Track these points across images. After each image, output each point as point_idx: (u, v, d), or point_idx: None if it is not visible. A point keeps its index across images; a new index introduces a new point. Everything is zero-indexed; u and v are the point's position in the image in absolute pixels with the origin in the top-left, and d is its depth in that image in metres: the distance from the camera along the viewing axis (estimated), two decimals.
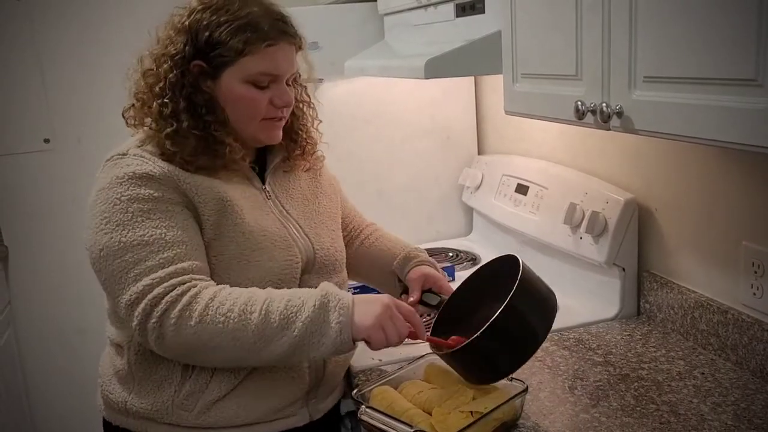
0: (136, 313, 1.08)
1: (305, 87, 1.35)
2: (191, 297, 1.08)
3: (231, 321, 1.07)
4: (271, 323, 1.07)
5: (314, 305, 1.08)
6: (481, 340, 1.10)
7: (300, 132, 1.34)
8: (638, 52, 1.00)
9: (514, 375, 1.21)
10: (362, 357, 1.43)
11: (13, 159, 2.68)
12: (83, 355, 2.75)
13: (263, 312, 1.08)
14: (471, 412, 1.11)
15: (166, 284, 1.08)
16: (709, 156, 1.38)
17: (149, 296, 1.07)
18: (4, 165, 2.67)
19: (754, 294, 1.30)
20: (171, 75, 1.16)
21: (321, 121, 1.39)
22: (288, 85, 1.24)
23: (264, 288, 1.16)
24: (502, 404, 1.13)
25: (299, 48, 1.24)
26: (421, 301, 1.38)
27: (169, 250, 1.10)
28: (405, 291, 1.44)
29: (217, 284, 1.15)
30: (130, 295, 1.08)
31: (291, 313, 1.08)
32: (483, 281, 1.31)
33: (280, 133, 1.27)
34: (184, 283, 1.09)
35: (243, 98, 1.19)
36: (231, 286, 1.13)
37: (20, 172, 2.69)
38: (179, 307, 1.07)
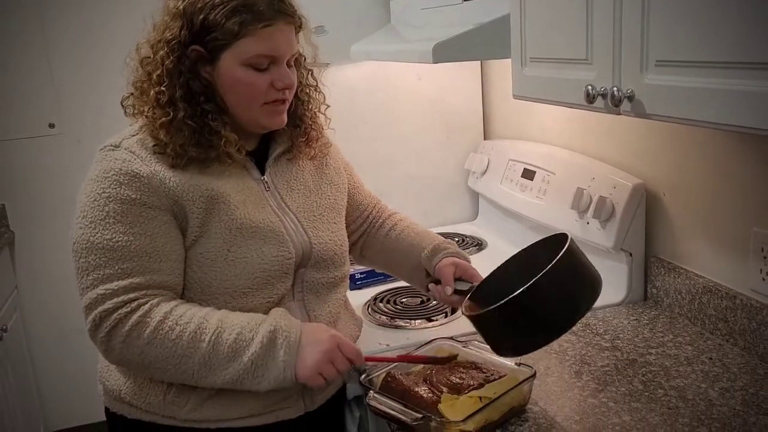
0: (88, 321, 1.10)
1: (311, 71, 1.31)
2: (141, 316, 1.09)
3: (179, 347, 1.08)
4: (218, 354, 1.08)
5: (262, 341, 1.09)
6: (520, 298, 1.06)
7: (305, 118, 1.30)
8: (650, 36, 0.99)
9: (522, 360, 1.21)
10: (370, 342, 1.43)
11: (18, 144, 2.68)
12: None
13: (212, 342, 1.08)
14: (480, 397, 1.11)
15: (116, 299, 1.09)
16: (719, 140, 1.37)
17: (100, 308, 1.09)
18: (9, 149, 2.67)
19: (763, 279, 1.29)
20: (168, 61, 1.14)
21: (329, 106, 1.35)
22: (289, 66, 1.20)
23: (252, 284, 1.16)
24: (511, 390, 1.13)
25: (299, 28, 1.21)
26: (456, 291, 1.33)
27: (130, 261, 1.10)
28: (434, 282, 1.39)
29: (204, 283, 1.15)
30: (86, 300, 1.10)
31: (239, 347, 1.09)
32: (529, 258, 1.25)
33: (285, 117, 1.23)
34: (134, 301, 1.09)
35: (242, 82, 1.15)
36: (187, 302, 1.13)
37: (25, 156, 2.69)
38: (128, 325, 1.08)
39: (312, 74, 1.32)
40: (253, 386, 1.10)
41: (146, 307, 1.09)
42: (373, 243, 1.48)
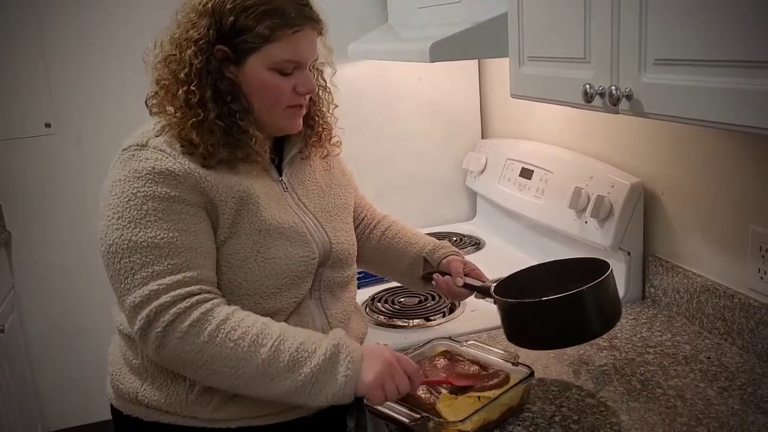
0: (139, 318, 1.06)
1: (321, 71, 1.32)
2: (203, 313, 1.06)
3: (240, 349, 1.05)
4: (279, 362, 1.05)
5: (325, 354, 1.06)
6: (560, 300, 1.17)
7: (317, 118, 1.32)
8: (649, 34, 0.99)
9: (520, 360, 1.22)
10: (368, 343, 1.43)
11: (14, 143, 2.67)
12: (89, 339, 2.76)
13: (273, 348, 1.05)
14: (478, 397, 1.11)
15: (173, 293, 1.06)
16: (718, 139, 1.37)
17: (155, 303, 1.05)
18: (5, 149, 2.66)
19: (761, 278, 1.29)
20: (197, 61, 1.13)
21: (337, 106, 1.36)
22: (309, 71, 1.22)
23: (280, 284, 1.16)
24: (509, 389, 1.13)
25: (320, 33, 1.22)
26: (464, 285, 1.39)
27: (179, 256, 1.08)
28: (428, 276, 1.44)
29: (234, 284, 1.14)
30: (135, 298, 1.06)
31: (301, 357, 1.05)
32: (562, 270, 1.34)
33: (301, 121, 1.25)
34: (193, 295, 1.07)
35: (267, 85, 1.16)
36: (243, 309, 1.11)
37: (21, 156, 2.68)
38: (189, 321, 1.05)
39: (322, 75, 1.33)
40: (309, 400, 1.07)
41: (208, 305, 1.07)
42: (367, 243, 1.50)
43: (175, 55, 1.15)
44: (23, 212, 2.72)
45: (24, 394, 2.63)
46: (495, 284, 1.35)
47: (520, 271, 1.40)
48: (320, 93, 1.32)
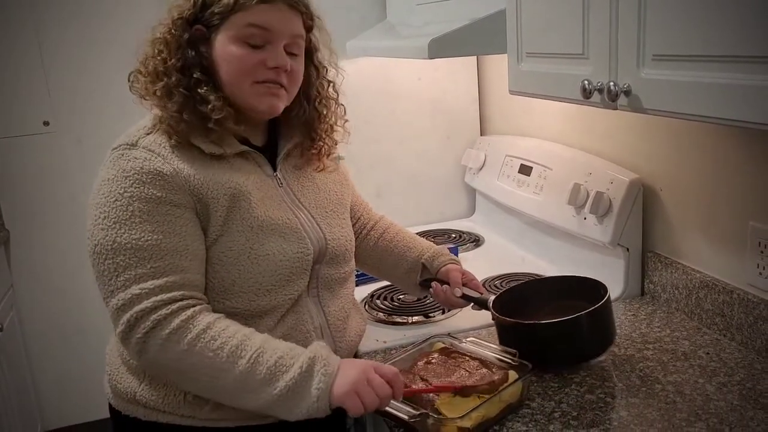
0: (121, 322, 1.06)
1: (332, 83, 1.31)
2: (184, 321, 1.06)
3: (218, 359, 1.04)
4: (255, 375, 1.04)
5: (301, 367, 1.04)
6: (560, 324, 1.22)
7: (319, 130, 1.30)
8: (647, 30, 0.99)
9: (519, 358, 1.22)
10: (367, 339, 1.43)
11: (12, 142, 2.66)
12: (88, 337, 2.76)
13: (252, 360, 1.04)
14: (477, 394, 1.11)
15: (155, 298, 1.06)
16: (716, 135, 1.37)
17: (136, 308, 1.05)
18: (3, 148, 2.66)
19: (760, 274, 1.29)
20: (169, 35, 1.15)
21: (347, 120, 1.34)
22: (294, 55, 1.20)
23: (275, 281, 1.16)
24: (508, 386, 1.13)
25: (306, 17, 1.21)
26: (463, 295, 1.40)
27: (162, 260, 1.08)
28: (426, 282, 1.45)
29: (227, 282, 1.13)
30: (117, 301, 1.06)
31: (278, 371, 1.04)
32: (561, 287, 1.39)
33: (279, 104, 1.21)
34: (175, 301, 1.07)
35: (233, 57, 1.15)
36: (228, 318, 1.11)
37: (20, 154, 2.68)
38: (169, 329, 1.05)
39: (333, 86, 1.31)
40: (286, 414, 1.06)
41: (189, 312, 1.07)
42: (364, 244, 1.50)
43: (158, 36, 1.17)
44: (22, 210, 2.72)
45: (23, 392, 2.64)
46: (493, 297, 1.36)
47: (519, 284, 1.46)
48: (330, 105, 1.31)
